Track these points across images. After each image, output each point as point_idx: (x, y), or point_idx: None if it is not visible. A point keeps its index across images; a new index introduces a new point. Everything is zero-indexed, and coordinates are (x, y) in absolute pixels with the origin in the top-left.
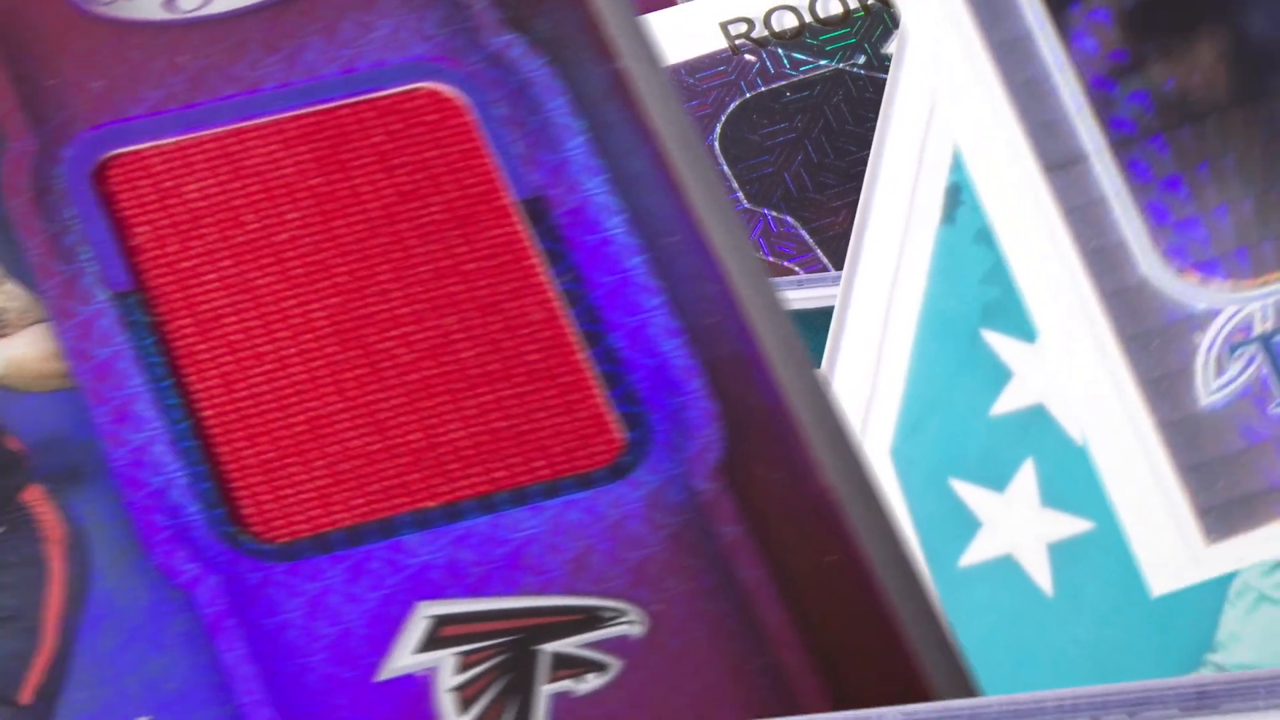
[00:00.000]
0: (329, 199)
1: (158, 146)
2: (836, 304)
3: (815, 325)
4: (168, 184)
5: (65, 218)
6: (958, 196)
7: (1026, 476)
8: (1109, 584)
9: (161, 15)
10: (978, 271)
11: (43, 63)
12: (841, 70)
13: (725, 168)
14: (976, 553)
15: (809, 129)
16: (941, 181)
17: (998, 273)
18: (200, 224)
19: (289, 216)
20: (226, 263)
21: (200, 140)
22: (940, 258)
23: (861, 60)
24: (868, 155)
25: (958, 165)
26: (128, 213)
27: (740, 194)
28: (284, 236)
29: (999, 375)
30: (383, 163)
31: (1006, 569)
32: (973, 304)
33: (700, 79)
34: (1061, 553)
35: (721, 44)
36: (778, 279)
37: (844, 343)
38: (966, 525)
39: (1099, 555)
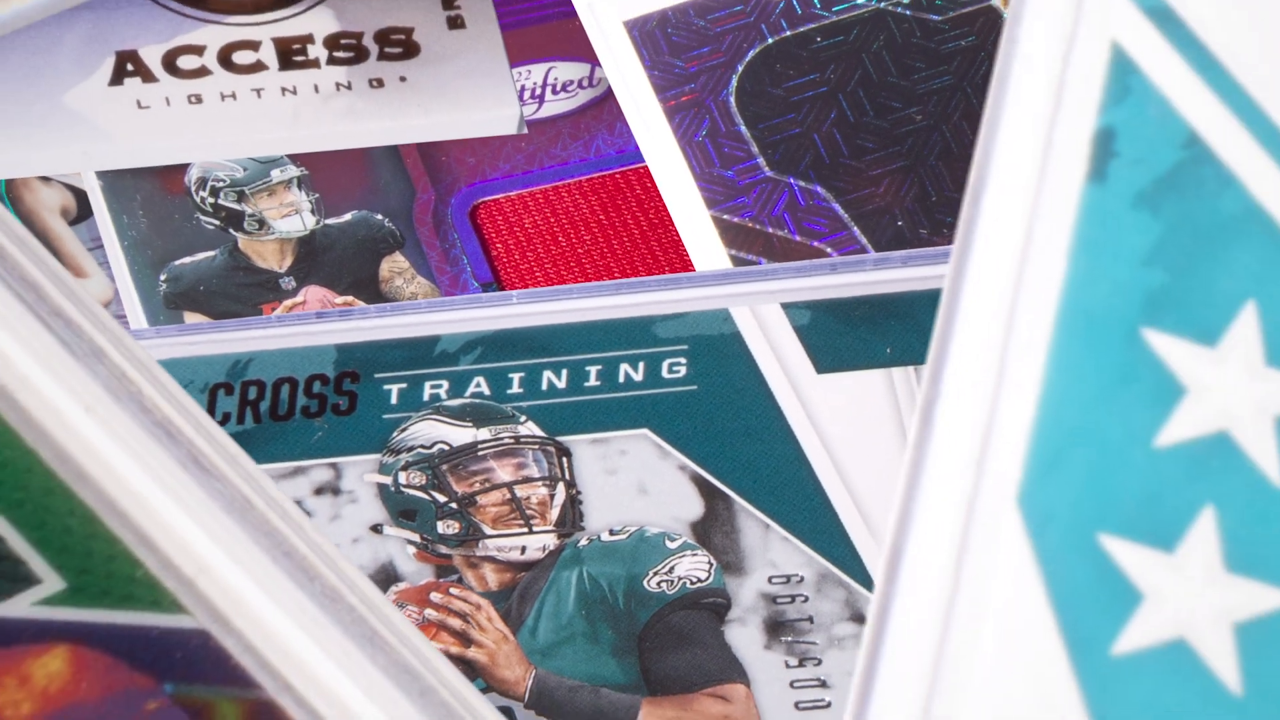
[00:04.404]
0: (609, 228)
1: (508, 196)
2: (944, 295)
3: (851, 318)
4: (514, 219)
5: (452, 239)
6: (1110, 144)
7: (1205, 531)
8: None
9: None
10: (1139, 248)
11: (437, 145)
12: (883, 10)
13: (743, 128)
14: (1137, 636)
15: (844, 81)
16: (1089, 123)
17: (1165, 250)
18: (532, 242)
19: (585, 238)
20: (548, 265)
21: (533, 193)
22: (1086, 230)
23: None
24: (914, 113)
25: (1112, 99)
26: (489, 236)
27: (761, 159)
28: (582, 250)
29: (1168, 391)
30: (639, 206)
31: (1178, 657)
32: (1131, 293)
33: (712, 21)
34: (1253, 636)
35: None
36: (809, 263)
37: (953, 348)
38: (1124, 598)
39: None
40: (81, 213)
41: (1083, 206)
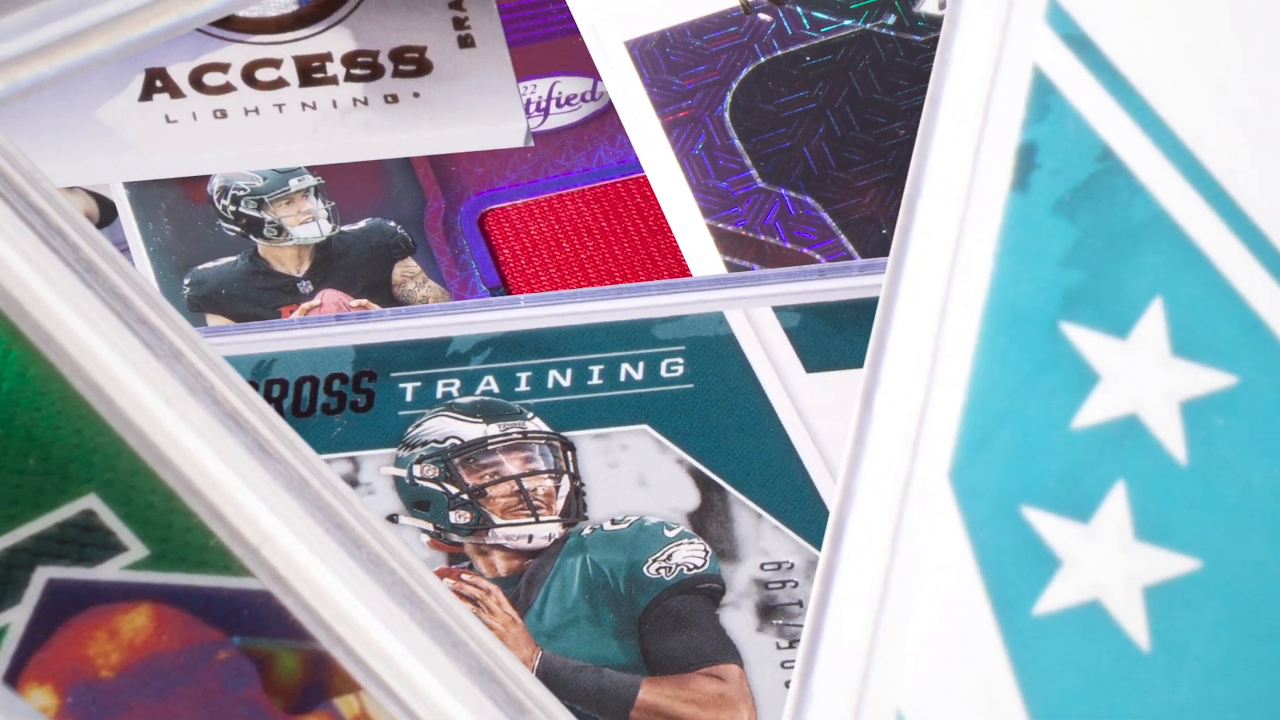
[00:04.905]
0: (610, 234)
1: (514, 204)
2: (882, 293)
3: (839, 321)
4: (520, 226)
5: (461, 245)
6: (1032, 157)
7: (1117, 504)
8: (1219, 636)
9: None
10: (1058, 250)
11: (448, 156)
12: (869, 31)
13: (737, 141)
14: (1055, 598)
15: (831, 98)
16: (1013, 138)
17: (1081, 252)
18: (538, 248)
19: (588, 244)
20: (552, 270)
21: (538, 201)
22: (1010, 234)
23: (891, 20)
24: (898, 127)
25: (1034, 116)
26: (497, 242)
27: (754, 171)
28: (585, 255)
29: (1084, 379)
30: (639, 214)
31: (1093, 617)
32: (1051, 291)
33: (708, 41)
34: (1161, 598)
35: (733, 1)
36: (799, 269)
37: (891, 341)
38: (1044, 564)
39: (1207, 601)
40: (104, 219)
41: (1007, 213)
